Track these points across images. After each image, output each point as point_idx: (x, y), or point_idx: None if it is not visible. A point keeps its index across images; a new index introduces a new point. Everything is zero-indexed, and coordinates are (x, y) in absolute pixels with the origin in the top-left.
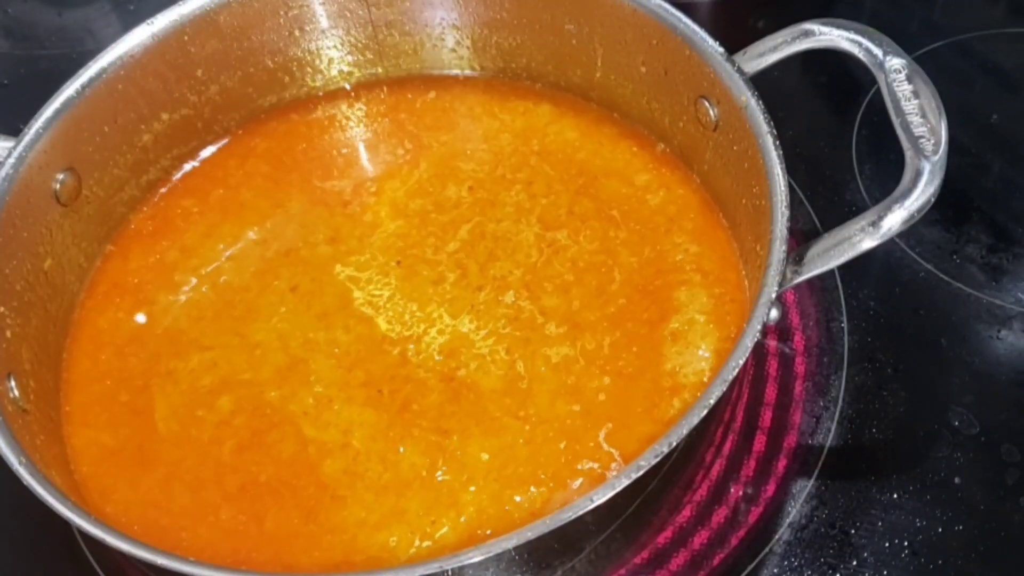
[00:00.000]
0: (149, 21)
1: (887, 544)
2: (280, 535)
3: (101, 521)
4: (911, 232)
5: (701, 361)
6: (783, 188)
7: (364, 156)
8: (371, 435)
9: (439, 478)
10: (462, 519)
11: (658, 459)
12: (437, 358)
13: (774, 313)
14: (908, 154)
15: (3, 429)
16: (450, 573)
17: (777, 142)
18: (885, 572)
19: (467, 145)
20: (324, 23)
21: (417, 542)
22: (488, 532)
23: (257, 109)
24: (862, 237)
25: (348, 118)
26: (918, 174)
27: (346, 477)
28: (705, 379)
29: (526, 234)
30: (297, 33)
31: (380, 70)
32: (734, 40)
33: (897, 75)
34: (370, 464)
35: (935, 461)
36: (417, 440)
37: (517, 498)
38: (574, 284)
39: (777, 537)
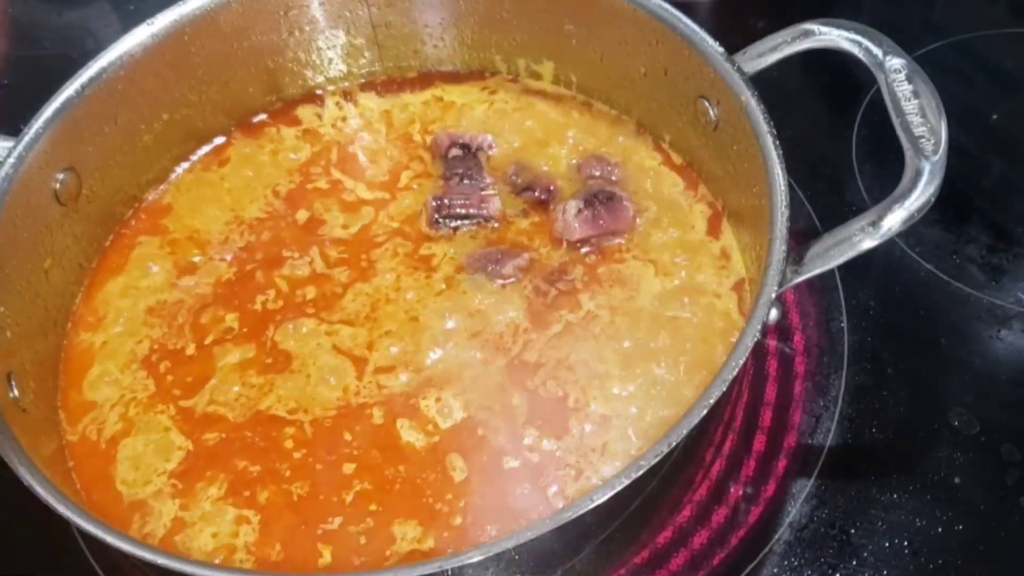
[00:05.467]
0: (149, 21)
1: (887, 544)
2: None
3: (101, 521)
4: (911, 232)
5: None
6: (783, 188)
7: (364, 154)
8: None
9: None
10: None
11: (658, 459)
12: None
13: (774, 313)
14: (908, 154)
15: (3, 429)
16: (450, 573)
17: (777, 142)
18: (885, 572)
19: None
20: (323, 23)
21: None
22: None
23: (257, 108)
24: (862, 237)
25: (347, 117)
26: (918, 174)
27: None
28: None
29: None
30: (297, 34)
31: (379, 69)
32: (734, 40)
33: (897, 75)
34: None
35: (935, 461)
36: None
37: None
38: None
39: (777, 537)
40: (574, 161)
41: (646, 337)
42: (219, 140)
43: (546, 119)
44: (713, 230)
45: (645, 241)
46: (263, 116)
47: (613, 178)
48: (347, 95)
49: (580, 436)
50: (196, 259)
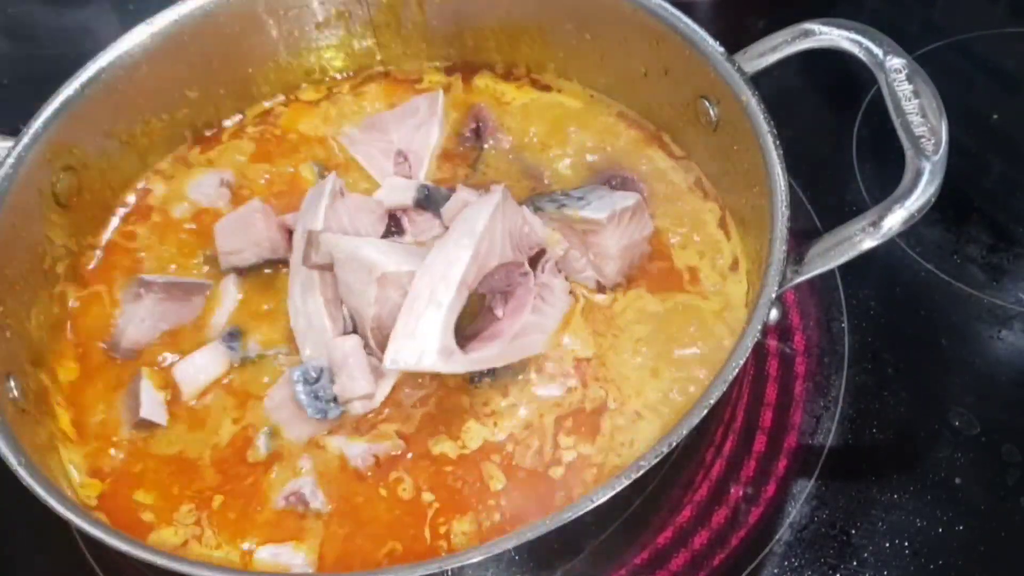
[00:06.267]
0: (148, 21)
1: (888, 544)
2: None
3: (101, 521)
4: (911, 232)
5: None
6: (783, 188)
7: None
8: None
9: None
10: None
11: (658, 459)
12: None
13: (774, 313)
14: (908, 154)
15: (3, 429)
16: (450, 573)
17: (777, 142)
18: (886, 572)
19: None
20: (323, 23)
21: None
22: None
23: (258, 107)
24: (863, 237)
25: (347, 115)
26: (918, 174)
27: None
28: None
29: None
30: (296, 33)
31: (380, 69)
32: (734, 40)
33: (897, 75)
34: None
35: (936, 461)
36: None
37: None
38: None
39: (777, 537)
40: (591, 158)
41: (664, 337)
42: (219, 139)
43: (548, 119)
44: (721, 230)
45: (664, 245)
46: (263, 115)
47: (631, 178)
48: (347, 94)
49: (611, 433)
50: (192, 263)
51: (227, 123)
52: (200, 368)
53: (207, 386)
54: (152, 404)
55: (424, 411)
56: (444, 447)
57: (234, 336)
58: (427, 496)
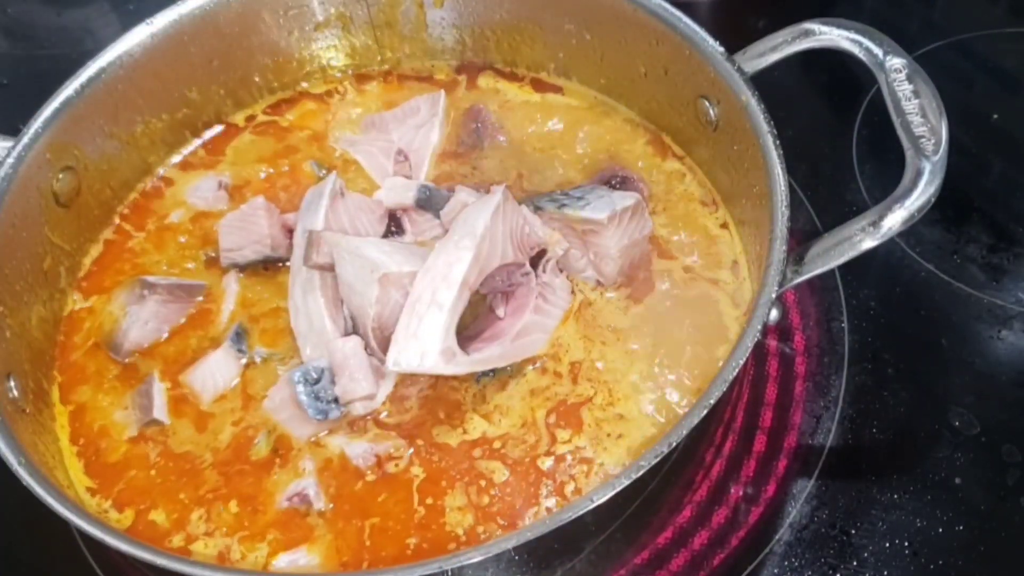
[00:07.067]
0: (148, 21)
1: (887, 544)
2: None
3: (101, 521)
4: (911, 232)
5: None
6: (783, 188)
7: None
8: None
9: None
10: None
11: (658, 459)
12: None
13: (774, 313)
14: (908, 154)
15: (3, 429)
16: (450, 573)
17: (777, 142)
18: (886, 572)
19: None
20: (323, 23)
21: None
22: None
23: (257, 107)
24: (862, 237)
25: (348, 115)
26: (918, 174)
27: None
28: None
29: None
30: (296, 33)
31: (379, 68)
32: (734, 40)
33: (897, 75)
34: None
35: (936, 461)
36: None
37: None
38: None
39: (777, 537)
40: (591, 158)
41: (661, 336)
42: (220, 140)
43: (549, 119)
44: (722, 230)
45: (665, 245)
46: (263, 115)
47: (631, 178)
48: (348, 93)
49: (597, 428)
50: (190, 266)
51: (227, 123)
52: (214, 373)
53: (225, 391)
54: (162, 405)
55: (424, 409)
56: (446, 438)
57: (241, 338)
58: (421, 476)
